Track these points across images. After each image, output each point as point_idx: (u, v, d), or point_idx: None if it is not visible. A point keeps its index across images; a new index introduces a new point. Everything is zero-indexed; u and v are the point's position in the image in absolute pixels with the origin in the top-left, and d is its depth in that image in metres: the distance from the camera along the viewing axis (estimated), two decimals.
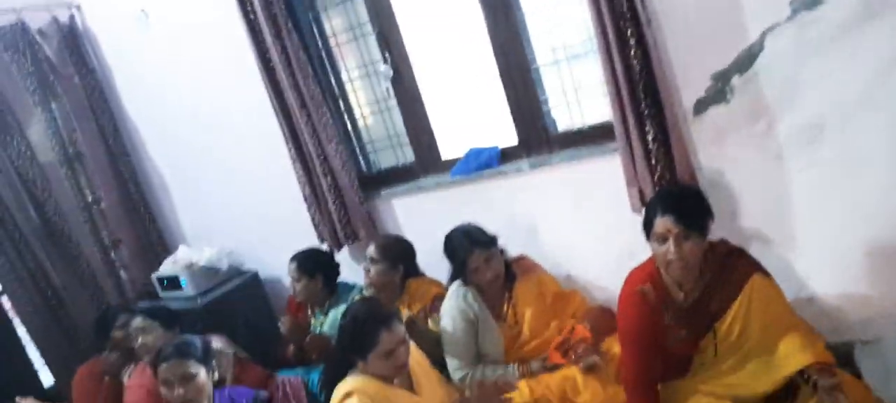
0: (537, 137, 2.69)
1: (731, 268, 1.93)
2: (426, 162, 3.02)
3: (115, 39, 3.65)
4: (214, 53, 3.24)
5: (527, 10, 2.57)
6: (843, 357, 2.05)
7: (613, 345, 2.22)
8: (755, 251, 2.05)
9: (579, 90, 2.62)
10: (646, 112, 2.20)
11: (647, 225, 1.93)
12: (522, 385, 2.22)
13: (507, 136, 2.79)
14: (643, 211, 2.03)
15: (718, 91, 2.19)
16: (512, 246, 2.47)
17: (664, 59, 2.19)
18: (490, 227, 2.41)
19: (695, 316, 1.94)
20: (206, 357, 2.29)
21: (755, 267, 1.94)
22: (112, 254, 3.75)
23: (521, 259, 2.55)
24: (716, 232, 1.96)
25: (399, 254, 2.78)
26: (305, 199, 3.19)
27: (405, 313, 2.45)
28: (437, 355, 2.38)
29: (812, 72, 2.03)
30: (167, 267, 3.53)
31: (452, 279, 2.46)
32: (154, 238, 3.89)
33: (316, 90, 2.94)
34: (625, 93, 2.21)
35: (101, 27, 3.66)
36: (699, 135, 2.27)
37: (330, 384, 2.13)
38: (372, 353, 2.03)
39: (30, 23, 3.53)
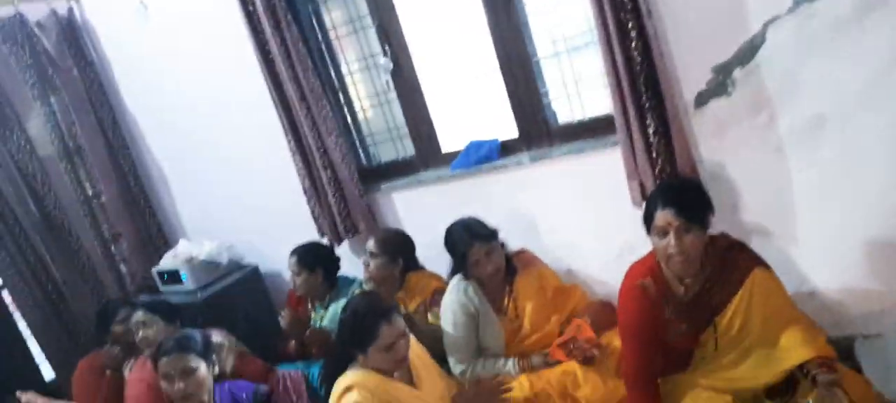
0: (537, 130, 2.68)
1: (731, 262, 1.92)
2: (426, 155, 3.02)
3: (113, 32, 3.63)
4: (213, 46, 3.22)
5: (527, 2, 2.55)
6: (844, 351, 2.05)
7: (614, 339, 2.21)
8: (756, 244, 2.04)
9: (580, 82, 2.62)
10: (646, 104, 2.20)
11: (648, 219, 1.92)
12: (523, 379, 2.22)
13: (508, 129, 2.78)
14: (644, 204, 2.02)
15: (719, 83, 2.18)
16: (512, 239, 2.47)
17: (665, 50, 2.18)
18: (490, 221, 2.41)
19: (695, 310, 1.94)
20: (207, 351, 2.29)
21: (756, 260, 1.93)
22: (112, 248, 3.74)
23: (521, 252, 2.54)
24: (716, 225, 1.95)
25: (398, 248, 2.77)
26: (305, 193, 3.18)
27: (401, 310, 2.45)
28: (436, 350, 2.38)
29: (814, 64, 2.03)
30: (167, 261, 3.52)
31: (453, 273, 2.46)
32: (154, 231, 3.89)
33: (315, 83, 2.93)
34: (625, 85, 2.20)
35: (99, 20, 3.64)
36: (700, 127, 2.26)
37: (330, 378, 2.13)
38: (372, 347, 2.03)
39: (28, 15, 3.52)
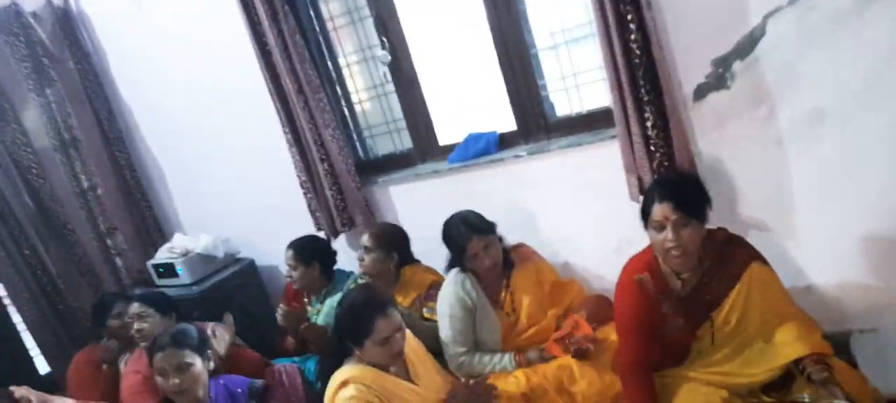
0: (535, 123, 2.67)
1: (729, 256, 1.92)
2: (424, 147, 3.00)
3: (109, 23, 3.60)
4: (210, 37, 3.20)
5: None
6: (841, 346, 2.04)
7: (610, 334, 2.21)
8: (754, 239, 2.03)
9: (578, 75, 2.60)
10: (645, 97, 2.18)
11: (645, 213, 1.91)
12: (519, 374, 2.22)
13: (506, 121, 2.76)
14: (641, 198, 2.01)
15: (719, 76, 2.16)
16: (509, 233, 2.45)
17: (664, 43, 2.16)
18: (488, 214, 2.40)
19: (692, 304, 1.93)
20: (202, 346, 2.28)
21: (754, 255, 1.92)
22: (108, 241, 3.72)
23: (519, 246, 2.53)
24: (714, 219, 1.94)
25: (393, 242, 2.76)
26: (302, 186, 3.16)
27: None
28: (431, 345, 2.37)
29: (814, 57, 2.01)
30: (163, 255, 3.51)
31: (451, 266, 2.45)
32: (150, 225, 3.87)
33: (313, 75, 2.91)
34: (624, 78, 2.18)
35: (95, 10, 3.61)
36: (699, 121, 2.25)
37: (326, 373, 2.13)
38: (368, 340, 2.02)
39: (23, 5, 3.49)
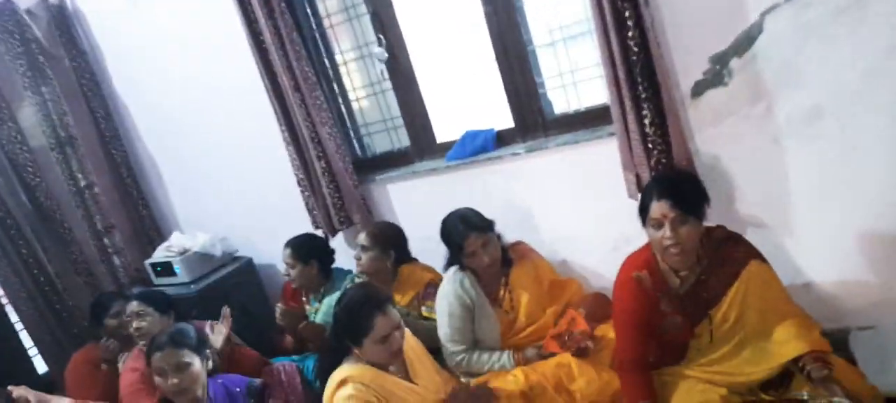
0: (533, 120, 2.66)
1: (727, 254, 1.92)
2: (421, 145, 2.99)
3: (105, 21, 3.59)
4: (207, 34, 3.18)
5: None
6: (839, 343, 2.04)
7: (609, 332, 2.21)
8: (752, 236, 2.03)
9: (576, 72, 2.59)
10: (643, 95, 2.18)
11: (643, 211, 1.92)
12: (517, 372, 2.21)
13: (504, 118, 2.76)
14: (639, 196, 2.01)
15: (716, 73, 2.16)
16: (507, 231, 2.45)
17: (662, 40, 2.16)
18: (485, 213, 2.39)
19: (691, 302, 1.93)
20: (200, 345, 2.28)
21: (752, 253, 1.93)
22: (105, 240, 3.71)
23: (517, 244, 2.53)
24: (712, 217, 1.94)
25: (390, 240, 2.76)
26: (299, 184, 3.16)
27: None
28: (430, 344, 2.36)
29: (811, 54, 2.01)
30: (160, 254, 3.51)
31: (449, 264, 2.44)
32: (147, 223, 3.86)
33: (309, 72, 2.90)
34: (622, 75, 2.17)
35: (90, 8, 3.59)
36: (697, 118, 2.25)
37: (325, 371, 2.12)
38: (367, 338, 2.02)
39: (18, 2, 3.47)
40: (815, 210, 2.18)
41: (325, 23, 3.05)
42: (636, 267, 1.98)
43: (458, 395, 2.12)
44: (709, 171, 2.23)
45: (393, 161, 3.09)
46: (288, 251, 2.86)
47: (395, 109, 3.02)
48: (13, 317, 3.58)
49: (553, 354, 2.22)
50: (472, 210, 2.40)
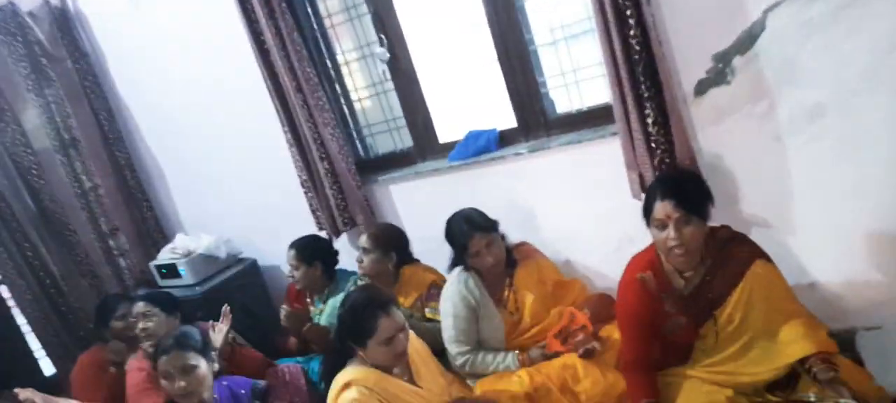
0: (536, 120, 2.66)
1: (732, 254, 1.91)
2: (424, 145, 2.99)
3: (107, 23, 3.59)
4: (208, 36, 3.18)
5: None
6: (845, 344, 2.03)
7: (613, 332, 2.21)
8: (755, 236, 2.03)
9: (578, 71, 2.58)
10: (645, 94, 2.16)
11: (647, 211, 1.91)
12: (522, 373, 2.21)
13: (506, 118, 2.75)
14: (643, 196, 2.00)
15: (719, 72, 2.15)
16: (510, 231, 2.45)
17: (664, 38, 2.15)
18: (488, 213, 2.39)
19: (695, 303, 1.93)
20: (206, 348, 2.28)
21: (757, 252, 1.92)
22: (110, 242, 3.73)
23: (521, 245, 2.53)
24: (716, 216, 1.94)
25: (391, 242, 2.76)
26: (303, 185, 3.16)
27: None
28: (433, 345, 2.37)
29: (814, 51, 2.00)
30: (165, 256, 3.52)
31: (453, 264, 2.44)
32: (151, 225, 3.87)
33: (311, 73, 2.90)
34: (624, 74, 2.16)
35: (92, 10, 3.59)
36: (699, 117, 2.24)
37: (329, 373, 2.11)
38: (371, 340, 2.01)
39: (20, 5, 3.48)
40: (819, 208, 2.16)
41: (327, 23, 3.04)
42: (640, 268, 1.98)
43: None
44: (712, 170, 2.22)
45: (395, 161, 3.09)
46: (292, 252, 2.86)
47: (398, 110, 3.01)
48: (20, 320, 3.60)
49: (557, 354, 2.22)
50: (476, 210, 2.40)
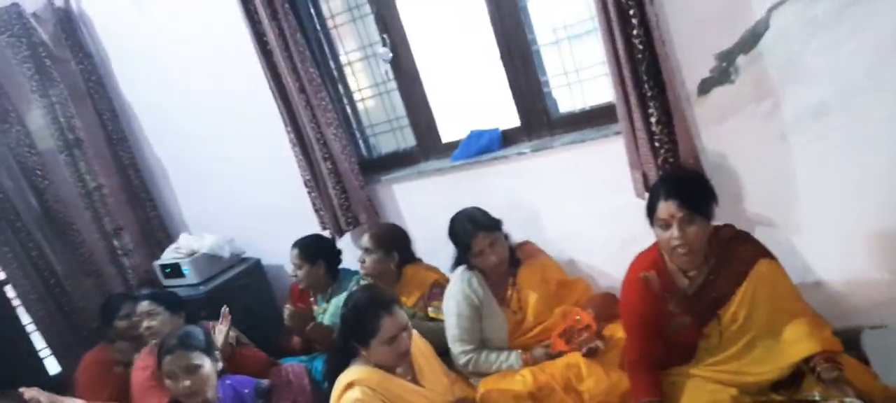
0: (538, 119, 2.66)
1: (736, 253, 1.91)
2: (427, 145, 2.99)
3: (110, 24, 3.60)
4: (211, 37, 3.19)
5: None
6: (851, 342, 2.02)
7: (617, 331, 2.21)
8: (760, 234, 2.02)
9: (581, 71, 2.58)
10: (648, 93, 2.16)
11: (651, 211, 1.91)
12: (526, 372, 2.21)
13: (509, 118, 2.75)
14: (646, 195, 2.00)
15: (723, 71, 2.15)
16: (514, 231, 2.45)
17: (667, 38, 2.15)
18: (491, 212, 2.39)
19: (699, 302, 1.92)
20: (210, 347, 2.29)
21: (761, 251, 1.91)
22: (115, 242, 3.74)
23: (525, 244, 2.53)
24: (720, 215, 1.93)
25: (393, 242, 2.76)
26: (306, 185, 3.16)
27: None
28: (436, 344, 2.36)
29: (818, 50, 1.99)
30: (169, 255, 3.52)
31: (457, 263, 2.44)
32: (155, 225, 3.88)
33: (314, 73, 2.90)
34: (627, 73, 2.16)
35: (95, 10, 3.60)
36: (703, 116, 2.24)
37: (332, 373, 2.12)
38: (374, 340, 2.01)
39: (24, 6, 3.48)
40: (824, 207, 2.16)
41: (329, 23, 3.05)
42: (644, 268, 1.98)
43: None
44: (716, 170, 2.22)
45: (398, 161, 3.09)
46: (295, 252, 2.87)
47: (401, 109, 3.01)
48: (25, 319, 3.61)
49: (561, 353, 2.22)
50: (479, 209, 2.40)
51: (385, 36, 2.84)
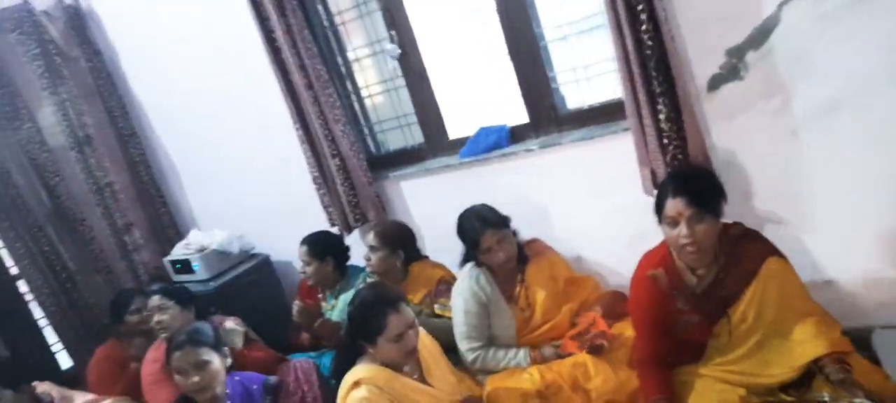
0: (547, 116, 2.64)
1: (745, 252, 1.89)
2: (435, 142, 2.99)
3: (119, 21, 3.62)
4: (219, 34, 3.20)
5: None
6: (861, 342, 1.99)
7: (625, 330, 2.20)
8: (770, 233, 2.00)
9: (589, 67, 2.57)
10: (657, 89, 2.14)
11: (659, 208, 1.89)
12: (533, 370, 2.21)
13: (517, 114, 2.74)
14: (655, 192, 1.99)
15: (733, 67, 2.12)
16: (522, 227, 2.43)
17: (676, 33, 2.13)
18: (499, 209, 2.38)
19: (708, 300, 1.91)
20: (218, 343, 2.30)
21: (771, 250, 1.89)
22: (125, 238, 3.77)
23: (533, 241, 2.51)
24: (729, 213, 1.92)
25: (398, 240, 2.76)
26: (314, 182, 3.17)
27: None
28: (443, 342, 2.36)
29: (829, 45, 1.97)
30: (179, 251, 3.55)
31: (465, 260, 2.44)
32: (166, 221, 3.90)
33: (322, 69, 2.90)
34: (636, 69, 2.15)
35: (105, 9, 3.62)
36: (712, 113, 2.21)
37: (339, 372, 2.12)
38: (381, 337, 2.00)
39: (35, 4, 3.51)
40: (834, 205, 2.13)
41: (337, 20, 3.05)
42: (652, 266, 1.96)
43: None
44: (725, 167, 2.20)
45: (407, 158, 3.09)
46: (304, 248, 2.87)
47: (409, 106, 3.01)
48: (37, 314, 3.65)
49: (571, 354, 2.21)
50: (487, 206, 2.39)
51: (393, 32, 2.84)
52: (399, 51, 2.85)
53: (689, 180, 1.88)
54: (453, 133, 2.94)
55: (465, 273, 2.42)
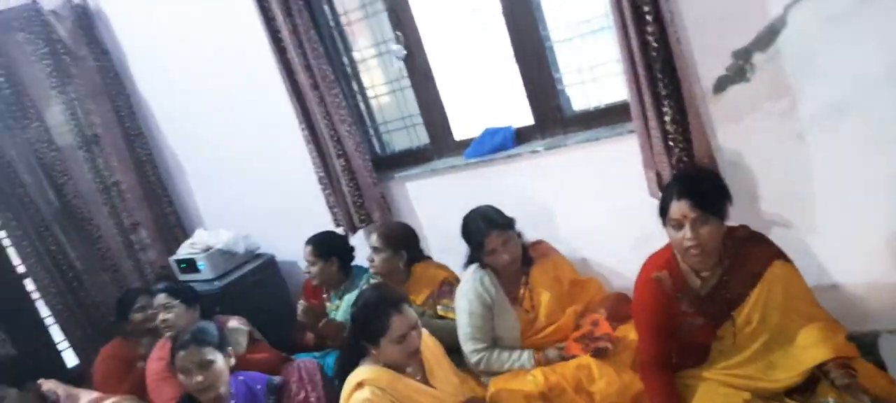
0: (552, 117, 2.64)
1: (750, 254, 1.88)
2: (440, 143, 2.99)
3: (127, 20, 3.63)
4: (226, 34, 3.20)
5: None
6: (867, 347, 1.98)
7: (629, 332, 2.19)
8: (775, 236, 1.99)
9: (595, 68, 2.56)
10: (663, 91, 2.14)
11: (663, 211, 1.89)
12: (537, 372, 2.20)
13: (523, 115, 2.74)
14: (660, 194, 1.98)
15: (739, 69, 2.12)
16: (526, 229, 2.43)
17: (682, 35, 2.12)
18: (504, 210, 2.38)
19: (712, 303, 1.90)
20: (222, 342, 2.31)
21: (776, 253, 1.88)
22: (132, 237, 3.78)
23: (538, 243, 2.51)
24: (735, 216, 1.91)
25: (401, 240, 2.76)
26: (320, 182, 3.17)
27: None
28: (446, 343, 2.36)
29: (836, 48, 1.96)
30: (185, 250, 3.56)
31: (469, 262, 2.43)
32: (172, 220, 3.91)
33: (327, 70, 2.91)
34: (641, 71, 2.14)
35: (112, 8, 3.64)
36: (718, 115, 2.21)
37: (343, 372, 2.12)
38: (384, 338, 2.01)
39: (43, 3, 3.53)
40: (841, 208, 2.12)
41: (343, 20, 3.05)
42: (656, 268, 1.96)
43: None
44: (731, 169, 2.19)
45: (412, 158, 3.09)
46: (308, 248, 2.88)
47: (414, 107, 3.01)
48: (44, 312, 3.67)
49: (575, 356, 2.20)
50: (492, 208, 2.39)
51: (398, 33, 2.84)
52: (405, 51, 2.85)
53: (694, 182, 1.87)
54: (459, 134, 2.94)
55: (470, 274, 2.42)
